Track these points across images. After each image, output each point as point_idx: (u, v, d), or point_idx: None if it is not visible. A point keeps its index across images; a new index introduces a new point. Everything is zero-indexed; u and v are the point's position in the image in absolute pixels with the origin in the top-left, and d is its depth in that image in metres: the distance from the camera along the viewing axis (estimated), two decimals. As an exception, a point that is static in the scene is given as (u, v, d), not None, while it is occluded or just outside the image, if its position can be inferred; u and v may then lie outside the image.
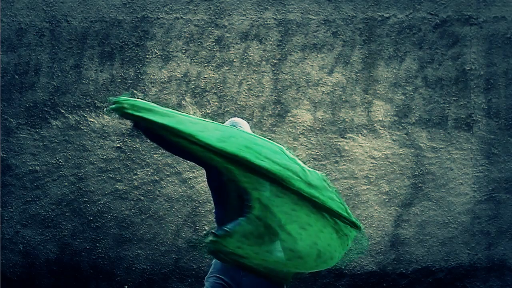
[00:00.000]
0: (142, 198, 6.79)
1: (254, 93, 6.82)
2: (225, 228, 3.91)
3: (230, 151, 3.91)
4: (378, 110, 6.78)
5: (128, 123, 6.45)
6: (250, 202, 3.93)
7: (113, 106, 4.00)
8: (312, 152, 6.76)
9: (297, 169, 4.02)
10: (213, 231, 3.93)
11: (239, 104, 6.80)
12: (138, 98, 6.77)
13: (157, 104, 4.19)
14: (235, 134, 4.05)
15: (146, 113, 3.98)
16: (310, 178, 4.03)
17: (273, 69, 6.82)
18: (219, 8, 6.86)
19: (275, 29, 6.84)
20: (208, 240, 3.87)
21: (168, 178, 6.77)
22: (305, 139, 6.77)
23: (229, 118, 6.66)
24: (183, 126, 3.95)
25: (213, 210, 4.82)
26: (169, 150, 4.38)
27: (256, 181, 3.95)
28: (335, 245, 4.04)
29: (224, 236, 3.87)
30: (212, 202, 6.30)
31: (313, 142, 6.77)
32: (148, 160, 6.79)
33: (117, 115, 4.03)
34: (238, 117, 6.72)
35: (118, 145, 6.82)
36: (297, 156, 6.73)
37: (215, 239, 3.86)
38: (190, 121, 4.04)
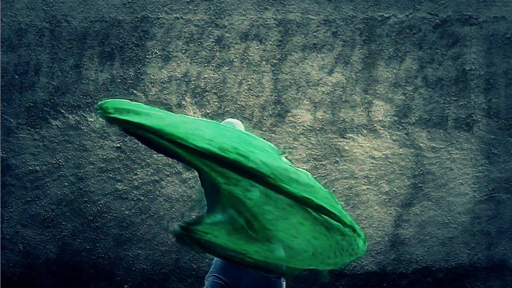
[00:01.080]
0: (142, 198, 6.79)
1: (254, 93, 6.82)
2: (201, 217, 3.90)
3: (219, 153, 3.88)
4: (378, 110, 6.78)
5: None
6: (240, 202, 3.93)
7: (99, 113, 3.94)
8: (312, 152, 6.76)
9: (287, 169, 4.00)
10: (186, 221, 3.91)
11: (239, 104, 6.80)
12: (137, 98, 6.77)
13: (146, 104, 4.14)
14: (226, 133, 4.02)
15: (132, 116, 3.91)
16: (301, 178, 4.02)
17: (273, 69, 6.82)
18: (219, 8, 6.87)
19: (275, 29, 6.84)
20: (184, 228, 3.84)
21: (168, 178, 6.78)
22: (305, 139, 6.77)
23: (229, 118, 6.66)
24: (171, 128, 3.90)
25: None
26: (160, 152, 4.33)
27: (246, 182, 3.94)
28: (329, 244, 4.03)
29: (196, 223, 3.85)
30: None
31: (313, 142, 6.77)
32: (148, 160, 6.79)
33: (105, 121, 3.97)
34: (238, 117, 6.73)
35: (118, 145, 6.82)
36: (297, 156, 6.73)
37: (194, 227, 3.84)
38: (183, 121, 4.00)
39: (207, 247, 3.90)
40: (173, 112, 4.99)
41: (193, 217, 3.99)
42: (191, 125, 3.97)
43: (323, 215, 4.02)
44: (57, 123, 6.85)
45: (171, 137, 3.86)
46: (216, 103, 6.81)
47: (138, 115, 3.91)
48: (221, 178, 3.91)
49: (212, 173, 3.90)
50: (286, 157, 4.17)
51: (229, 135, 4.01)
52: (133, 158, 6.80)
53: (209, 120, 4.26)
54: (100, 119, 3.94)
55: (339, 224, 4.03)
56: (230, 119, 4.66)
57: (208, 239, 3.85)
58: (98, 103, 3.96)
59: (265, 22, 6.86)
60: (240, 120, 6.69)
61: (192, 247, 3.92)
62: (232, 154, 3.86)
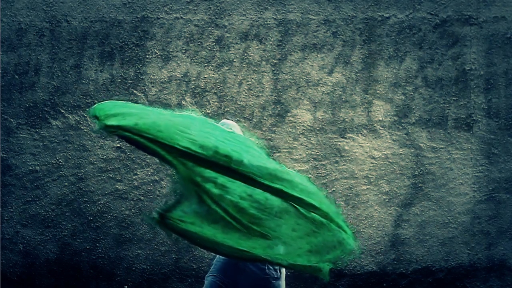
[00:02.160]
0: (142, 198, 6.79)
1: (254, 93, 6.82)
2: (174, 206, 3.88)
3: (200, 152, 3.84)
4: (378, 110, 6.78)
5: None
6: (221, 198, 3.92)
7: (95, 123, 3.89)
8: (312, 152, 6.76)
9: (276, 169, 4.00)
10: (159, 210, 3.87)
11: (239, 104, 6.80)
12: (137, 98, 6.77)
13: (145, 104, 4.10)
14: (214, 133, 3.99)
15: (120, 119, 3.85)
16: (290, 176, 4.02)
17: (273, 69, 6.82)
18: (219, 8, 6.87)
19: (275, 29, 6.84)
20: (159, 216, 3.82)
21: (168, 178, 6.78)
22: (305, 139, 6.77)
23: (229, 118, 6.67)
24: (150, 126, 3.82)
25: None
26: (145, 151, 4.25)
27: (237, 183, 3.94)
28: (321, 241, 4.03)
29: (170, 210, 3.83)
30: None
31: (313, 142, 6.77)
32: (148, 160, 6.79)
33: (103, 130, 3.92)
34: (238, 117, 6.73)
35: (118, 145, 6.82)
36: (297, 156, 6.73)
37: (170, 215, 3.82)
38: (168, 119, 3.92)
39: (191, 237, 3.86)
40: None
41: (169, 204, 3.94)
42: (177, 123, 3.90)
43: (311, 213, 4.03)
44: (57, 123, 6.85)
45: (151, 135, 3.81)
46: (216, 103, 6.81)
47: (125, 116, 3.84)
48: (199, 177, 3.88)
49: (191, 173, 3.87)
50: (280, 157, 4.18)
51: (218, 134, 3.98)
52: (133, 158, 6.80)
53: (201, 117, 4.20)
54: (98, 127, 3.88)
55: (327, 221, 4.04)
56: (225, 120, 4.67)
57: (193, 230, 3.83)
58: (90, 111, 3.91)
59: (265, 22, 6.86)
60: (240, 120, 6.69)
61: (169, 235, 3.90)
62: (212, 153, 3.82)
